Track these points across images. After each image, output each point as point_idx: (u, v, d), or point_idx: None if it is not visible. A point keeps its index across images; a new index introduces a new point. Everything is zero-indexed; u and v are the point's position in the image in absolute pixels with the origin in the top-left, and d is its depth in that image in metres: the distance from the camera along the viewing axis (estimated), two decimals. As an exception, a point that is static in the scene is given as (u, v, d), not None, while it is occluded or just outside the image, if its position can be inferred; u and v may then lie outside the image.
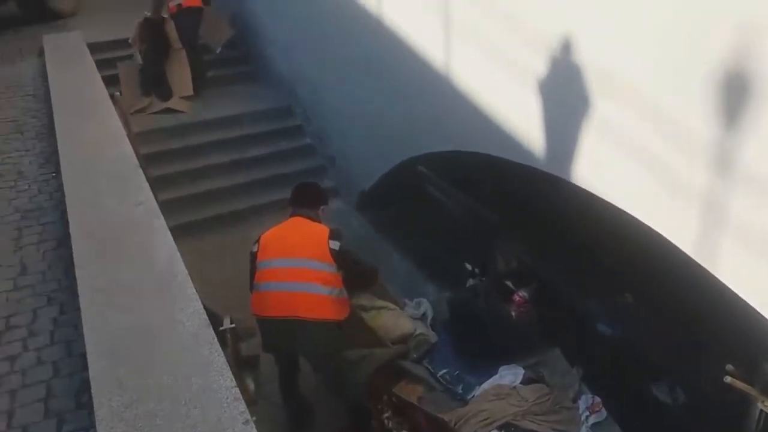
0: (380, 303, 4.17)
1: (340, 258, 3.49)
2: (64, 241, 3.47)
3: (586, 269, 4.23)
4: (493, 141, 4.15)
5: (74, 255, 3.01)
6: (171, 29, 7.26)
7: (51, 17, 8.91)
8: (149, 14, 7.21)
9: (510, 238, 4.67)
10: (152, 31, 7.23)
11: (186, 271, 2.86)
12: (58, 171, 4.12)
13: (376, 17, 5.22)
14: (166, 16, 7.26)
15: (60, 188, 3.93)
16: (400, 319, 4.14)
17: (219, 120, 7.48)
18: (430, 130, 4.98)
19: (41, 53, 6.84)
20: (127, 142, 4.28)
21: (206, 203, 6.69)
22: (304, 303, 3.52)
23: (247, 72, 8.74)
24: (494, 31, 3.86)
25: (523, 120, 3.86)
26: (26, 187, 4.15)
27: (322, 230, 3.57)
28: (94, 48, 6.83)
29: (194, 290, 2.75)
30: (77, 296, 2.78)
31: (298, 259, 3.49)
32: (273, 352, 3.90)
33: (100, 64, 6.25)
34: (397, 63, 5.11)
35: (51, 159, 4.48)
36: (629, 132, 3.15)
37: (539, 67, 3.57)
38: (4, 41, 8.00)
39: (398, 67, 5.14)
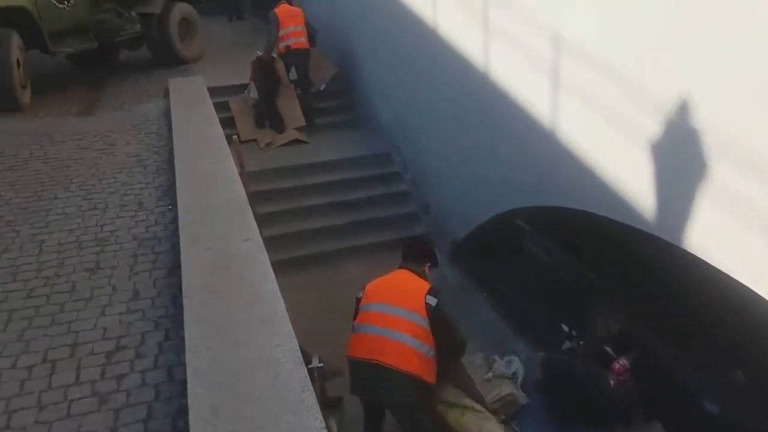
0: (467, 402, 4.01)
1: (433, 315, 3.47)
2: (174, 270, 3.68)
3: (694, 340, 3.94)
4: (598, 200, 4.03)
5: (183, 285, 3.17)
6: (280, 67, 8.05)
7: (177, 62, 9.74)
8: (261, 54, 8.02)
9: (612, 301, 4.45)
10: (263, 70, 7.99)
11: (285, 309, 2.93)
12: (174, 204, 4.42)
13: (483, 68, 5.28)
14: (275, 56, 7.99)
15: (174, 220, 4.21)
16: (485, 423, 3.96)
17: (322, 164, 7.86)
18: (531, 185, 4.91)
19: (166, 94, 7.45)
20: (239, 180, 4.52)
21: (304, 241, 6.95)
22: (392, 351, 3.51)
23: (350, 120, 9.10)
24: (606, 89, 3.79)
25: (633, 181, 3.72)
26: (144, 217, 4.46)
27: (423, 285, 3.61)
28: (213, 92, 7.40)
29: (291, 328, 2.82)
30: (182, 324, 2.93)
31: (394, 307, 3.51)
32: (359, 395, 3.89)
33: (219, 107, 6.73)
34: (502, 114, 5.11)
35: (168, 193, 4.81)
36: (746, 199, 2.95)
37: (654, 127, 3.45)
38: (137, 83, 8.80)
39: (503, 119, 5.14)
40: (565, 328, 4.58)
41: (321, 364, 4.09)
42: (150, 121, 6.79)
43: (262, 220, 5.12)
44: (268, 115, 8.19)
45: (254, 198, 5.49)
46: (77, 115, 7.28)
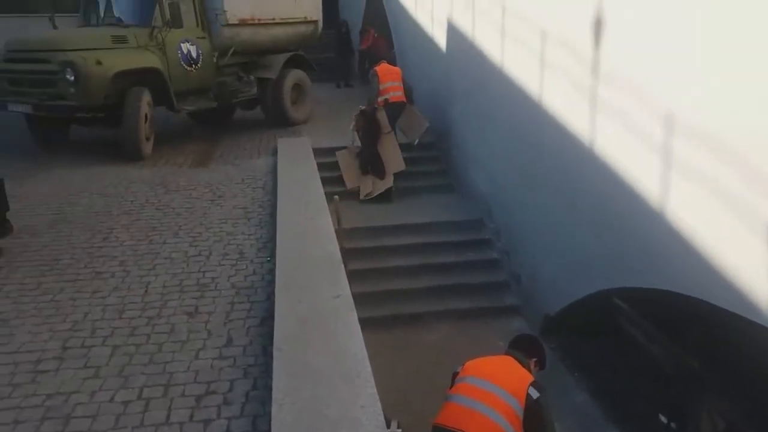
0: None
1: (532, 408, 3.31)
2: (266, 320, 3.80)
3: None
4: (709, 286, 3.77)
5: (274, 336, 3.26)
6: (382, 117, 8.78)
7: (287, 123, 10.35)
8: (364, 107, 8.81)
9: (718, 394, 4.08)
10: (366, 120, 8.72)
11: (370, 370, 2.93)
12: (272, 256, 4.60)
13: (589, 141, 5.20)
14: (377, 107, 8.82)
15: (272, 272, 4.37)
16: None
17: (414, 225, 7.96)
18: (633, 265, 4.68)
19: (275, 152, 7.91)
20: (335, 238, 4.66)
21: (390, 301, 6.95)
22: (479, 424, 3.37)
23: (445, 184, 9.19)
24: (721, 170, 3.61)
25: (744, 266, 3.47)
26: (244, 266, 4.67)
27: (526, 375, 3.45)
28: (318, 152, 7.81)
29: (375, 390, 2.80)
30: (270, 375, 2.98)
31: (491, 384, 3.39)
32: None
33: (322, 166, 7.03)
34: (607, 189, 4.97)
35: (268, 245, 5.02)
36: None
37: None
38: (249, 140, 9.39)
39: (608, 194, 4.99)
40: (664, 419, 4.23)
41: (399, 430, 4.00)
42: (258, 176, 7.20)
43: (352, 277, 5.21)
44: (370, 162, 8.74)
45: (348, 254, 5.62)
46: (192, 166, 7.83)
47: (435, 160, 9.68)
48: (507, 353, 3.62)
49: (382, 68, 9.11)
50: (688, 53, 3.93)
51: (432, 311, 6.83)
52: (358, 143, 8.90)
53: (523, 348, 3.66)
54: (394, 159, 8.71)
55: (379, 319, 6.53)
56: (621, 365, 5.08)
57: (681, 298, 4.07)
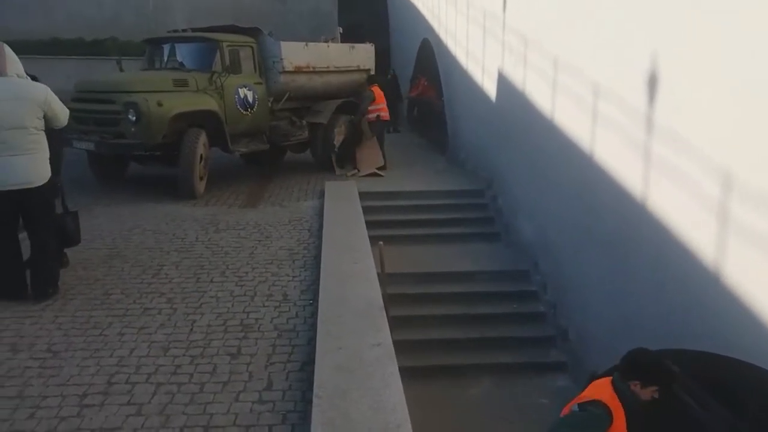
0: None
1: None
2: (307, 365, 3.78)
3: None
4: (765, 351, 3.58)
5: (315, 383, 3.24)
6: (365, 126, 10.99)
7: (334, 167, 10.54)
8: (352, 117, 10.88)
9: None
10: (353, 127, 10.88)
11: (410, 425, 2.86)
12: (315, 299, 4.61)
13: (641, 199, 5.09)
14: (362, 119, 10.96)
15: (314, 314, 4.38)
16: None
17: (459, 274, 7.89)
18: (689, 326, 4.50)
19: (322, 195, 8.02)
20: (377, 284, 4.65)
21: (432, 350, 6.85)
22: None
23: (492, 233, 9.08)
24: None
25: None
26: (287, 308, 4.69)
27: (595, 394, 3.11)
28: (363, 196, 7.86)
29: (414, 447, 2.73)
30: (308, 422, 2.95)
31: None
32: None
33: (367, 210, 7.07)
34: (662, 248, 4.83)
35: (311, 287, 5.04)
36: None
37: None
38: (297, 183, 9.57)
39: (662, 253, 4.84)
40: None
41: (438, 487, 3.88)
42: (304, 218, 7.30)
43: (394, 323, 5.16)
44: (349, 159, 10.73)
45: (391, 300, 5.58)
46: (242, 207, 8.01)
47: (482, 208, 9.62)
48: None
49: (378, 90, 10.87)
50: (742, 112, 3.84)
51: (474, 364, 6.68)
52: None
53: (629, 369, 3.14)
54: (373, 157, 10.70)
55: (419, 369, 6.41)
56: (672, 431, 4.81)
57: (739, 364, 3.86)
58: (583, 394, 3.10)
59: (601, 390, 3.09)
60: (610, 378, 3.15)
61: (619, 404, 3.03)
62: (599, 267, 6.11)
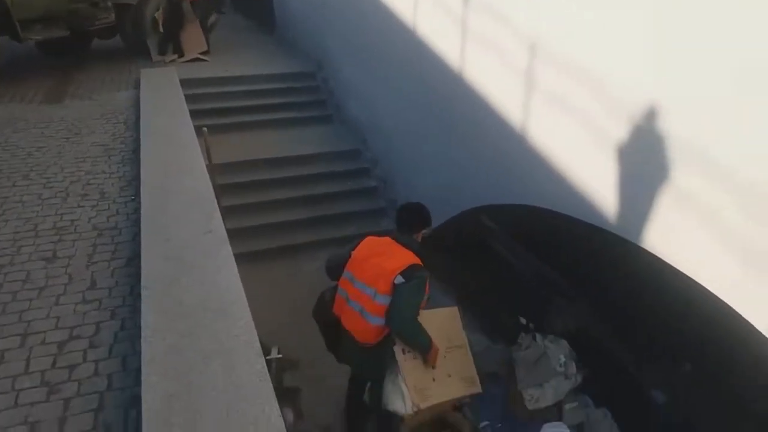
0: None
1: (393, 291, 3.36)
2: (133, 260, 3.65)
3: (648, 334, 4.05)
4: (562, 199, 4.10)
5: (142, 275, 3.15)
6: (187, 8, 9.81)
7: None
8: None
9: (571, 297, 4.53)
10: (172, 9, 9.70)
11: (245, 300, 2.93)
12: (137, 194, 4.37)
13: (458, 70, 5.31)
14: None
15: (137, 211, 4.16)
16: None
17: (291, 158, 7.84)
18: (497, 183, 4.96)
19: (137, 85, 7.35)
20: (205, 173, 4.49)
21: (268, 234, 6.90)
22: (349, 317, 3.51)
23: (323, 116, 9.05)
24: (576, 94, 3.86)
25: (597, 182, 3.80)
26: (106, 207, 4.41)
27: (401, 261, 3.35)
28: (186, 84, 7.33)
29: (251, 319, 2.81)
30: (139, 314, 2.90)
31: (365, 285, 3.39)
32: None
33: (190, 99, 6.64)
34: (475, 119, 5.15)
35: (132, 183, 4.75)
36: (704, 201, 3.05)
37: (620, 133, 3.54)
38: (108, 73, 8.66)
39: (474, 123, 5.17)
40: (523, 321, 4.66)
41: (279, 355, 4.10)
42: (118, 110, 6.70)
43: (227, 213, 5.09)
44: (173, 43, 9.87)
45: (221, 190, 5.45)
46: (43, 102, 7.12)
47: (313, 91, 9.46)
48: (391, 236, 3.56)
49: None
50: None
51: (311, 241, 6.86)
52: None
53: (407, 223, 3.60)
54: (195, 40, 10.02)
55: (256, 253, 6.47)
56: (487, 277, 5.43)
57: (538, 211, 4.39)
58: (391, 265, 3.32)
59: (403, 255, 3.39)
60: (391, 239, 3.48)
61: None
62: (421, 138, 6.41)
